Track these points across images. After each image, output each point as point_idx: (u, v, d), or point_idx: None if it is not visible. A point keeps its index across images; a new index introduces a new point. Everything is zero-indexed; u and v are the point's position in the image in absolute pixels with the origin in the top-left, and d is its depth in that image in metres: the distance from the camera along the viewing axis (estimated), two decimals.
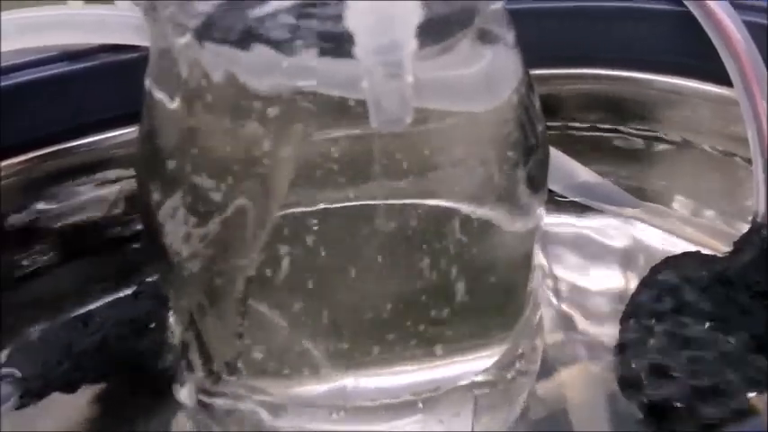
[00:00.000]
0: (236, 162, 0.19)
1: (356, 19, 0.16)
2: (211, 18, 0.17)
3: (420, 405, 0.21)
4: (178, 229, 0.21)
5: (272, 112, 0.18)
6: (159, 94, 0.20)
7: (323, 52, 0.17)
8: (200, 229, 0.20)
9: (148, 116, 0.21)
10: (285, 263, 0.19)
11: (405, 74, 0.17)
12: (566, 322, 0.29)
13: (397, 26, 0.16)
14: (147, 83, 0.21)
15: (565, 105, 0.33)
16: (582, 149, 0.32)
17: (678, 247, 0.29)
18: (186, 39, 0.18)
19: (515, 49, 0.21)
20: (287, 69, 0.18)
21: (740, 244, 0.26)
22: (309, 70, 0.18)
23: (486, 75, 0.20)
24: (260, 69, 0.18)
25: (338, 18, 0.16)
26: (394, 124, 0.17)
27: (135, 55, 0.29)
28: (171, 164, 0.20)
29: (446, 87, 0.20)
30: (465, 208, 0.20)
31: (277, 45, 0.17)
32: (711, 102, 0.31)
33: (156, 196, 0.21)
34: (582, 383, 0.27)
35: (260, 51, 0.17)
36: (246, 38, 0.17)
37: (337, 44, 0.17)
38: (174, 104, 0.20)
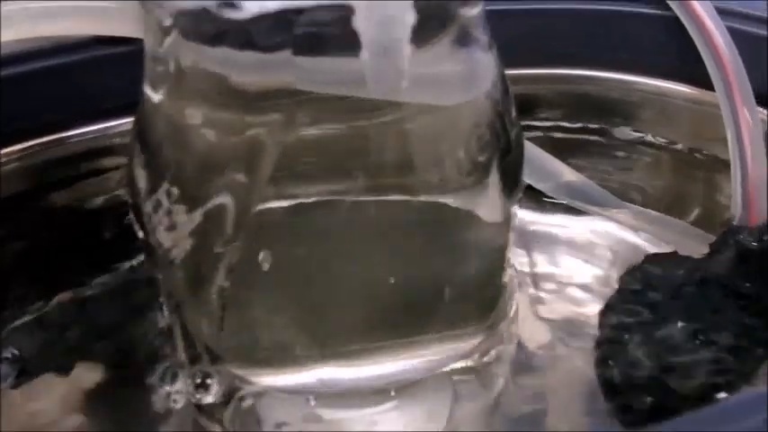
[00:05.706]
0: (217, 155, 0.20)
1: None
2: (191, 17, 0.18)
3: (392, 393, 0.22)
4: (162, 220, 0.21)
5: (253, 106, 0.19)
6: (147, 88, 0.21)
7: (299, 51, 0.18)
8: (182, 219, 0.21)
9: (140, 109, 0.22)
10: (264, 254, 0.20)
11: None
12: (546, 319, 0.30)
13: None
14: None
15: (548, 105, 0.33)
16: (565, 150, 0.32)
17: (657, 248, 0.29)
18: (170, 36, 0.19)
19: (490, 51, 0.21)
20: (266, 66, 0.18)
21: (716, 246, 0.27)
22: (288, 67, 0.18)
23: (460, 73, 0.21)
24: (241, 66, 0.19)
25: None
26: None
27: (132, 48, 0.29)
28: (156, 156, 0.21)
29: (422, 82, 0.20)
30: (440, 200, 0.21)
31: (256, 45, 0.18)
32: (695, 105, 0.31)
33: (142, 187, 0.22)
34: (562, 379, 0.27)
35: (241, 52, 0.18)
36: (224, 37, 0.18)
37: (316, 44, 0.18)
38: (159, 97, 0.20)
